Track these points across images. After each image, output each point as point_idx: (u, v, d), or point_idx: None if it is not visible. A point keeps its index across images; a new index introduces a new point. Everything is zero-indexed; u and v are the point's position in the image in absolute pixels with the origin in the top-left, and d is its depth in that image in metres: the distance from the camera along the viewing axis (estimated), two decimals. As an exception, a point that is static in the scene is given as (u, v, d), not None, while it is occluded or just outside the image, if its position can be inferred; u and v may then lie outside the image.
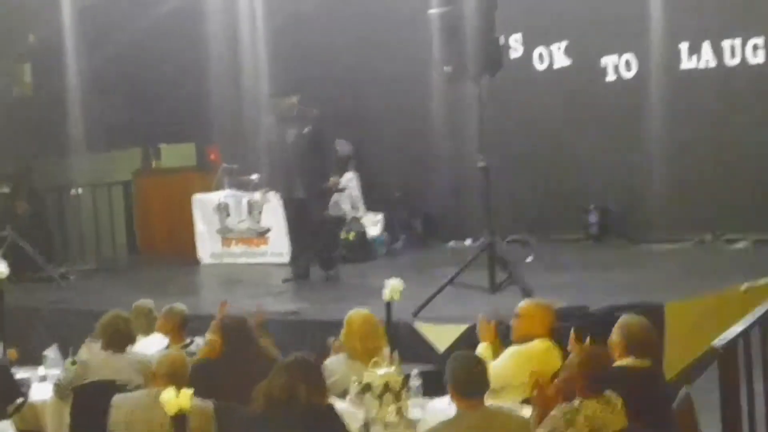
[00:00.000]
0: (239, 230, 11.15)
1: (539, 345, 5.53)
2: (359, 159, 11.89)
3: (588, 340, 5.16)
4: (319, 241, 9.76)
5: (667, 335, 6.78)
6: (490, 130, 8.42)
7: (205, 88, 11.79)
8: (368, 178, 11.87)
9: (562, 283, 8.52)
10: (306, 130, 9.46)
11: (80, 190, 12.24)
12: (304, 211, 9.64)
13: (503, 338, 5.84)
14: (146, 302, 6.92)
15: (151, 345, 6.27)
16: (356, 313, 5.72)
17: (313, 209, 9.70)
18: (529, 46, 11.10)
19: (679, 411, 4.80)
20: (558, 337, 5.70)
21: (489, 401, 4.48)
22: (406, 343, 6.82)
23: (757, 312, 6.13)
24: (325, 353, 5.81)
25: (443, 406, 4.84)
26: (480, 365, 4.45)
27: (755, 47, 9.83)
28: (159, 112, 11.97)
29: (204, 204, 11.37)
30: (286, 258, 10.73)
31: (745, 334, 6.00)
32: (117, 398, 4.95)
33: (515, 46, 11.14)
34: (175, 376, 4.91)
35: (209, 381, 5.22)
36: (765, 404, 6.03)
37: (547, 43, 11.01)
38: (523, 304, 5.78)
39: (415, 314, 7.30)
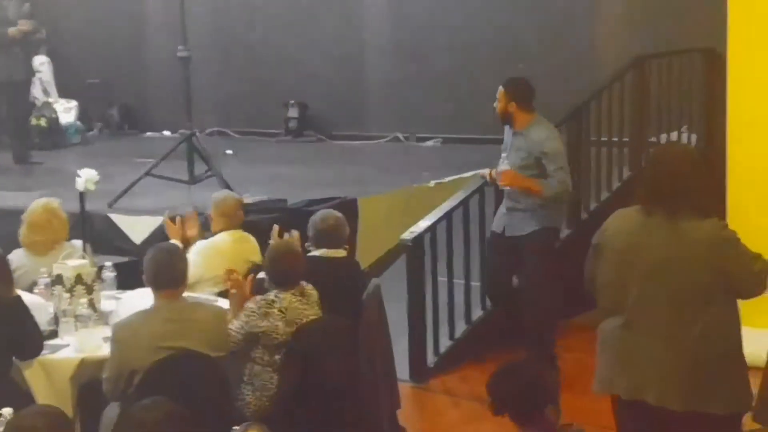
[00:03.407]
0: None
1: (227, 237, 5.57)
2: (52, 43, 11.28)
3: (293, 234, 5.27)
4: (14, 129, 9.30)
5: (360, 228, 7.04)
6: (192, 20, 8.23)
7: None
8: (62, 63, 11.30)
9: (261, 176, 8.60)
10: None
11: None
12: (22, 93, 9.29)
13: (205, 229, 5.83)
14: None
15: None
16: (35, 204, 5.49)
17: (26, 92, 9.45)
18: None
19: (368, 300, 5.01)
20: (257, 229, 5.78)
21: (186, 294, 4.47)
22: (101, 235, 6.67)
23: (444, 207, 6.50)
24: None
25: (137, 299, 4.78)
26: (177, 257, 4.42)
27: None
28: None
29: None
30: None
31: (432, 228, 6.36)
32: None
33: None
34: None
35: None
36: (447, 294, 6.45)
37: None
38: (214, 196, 5.79)
39: (111, 205, 7.12)
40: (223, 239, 5.57)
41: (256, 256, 5.41)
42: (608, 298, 3.79)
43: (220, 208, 5.68)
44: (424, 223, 6.38)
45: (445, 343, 6.48)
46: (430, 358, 6.38)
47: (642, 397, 3.67)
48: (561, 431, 3.43)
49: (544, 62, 9.45)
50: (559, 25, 9.70)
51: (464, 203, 6.55)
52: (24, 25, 9.09)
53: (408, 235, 6.23)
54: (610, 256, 3.77)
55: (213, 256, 5.41)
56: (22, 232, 5.40)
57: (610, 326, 3.78)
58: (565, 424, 3.45)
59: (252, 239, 5.64)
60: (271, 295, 4.57)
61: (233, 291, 4.72)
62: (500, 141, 6.15)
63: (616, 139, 7.68)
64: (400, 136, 10.42)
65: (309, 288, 4.68)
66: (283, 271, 4.63)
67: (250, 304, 4.56)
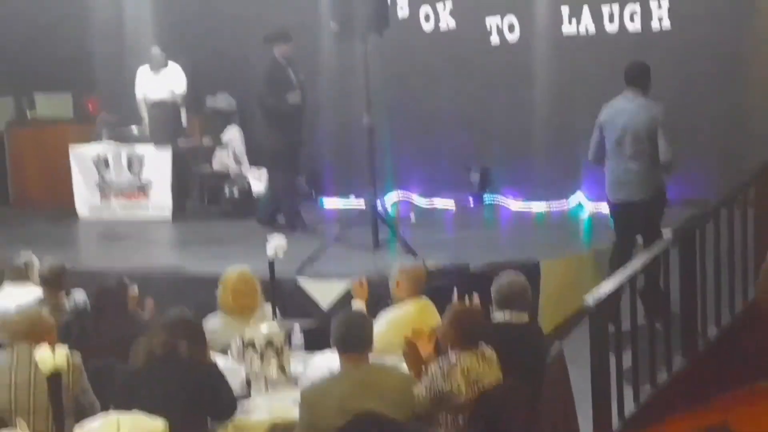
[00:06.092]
0: (119, 184, 10.94)
1: (412, 306, 5.65)
2: (243, 113, 11.78)
3: (474, 298, 5.29)
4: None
5: (543, 292, 6.99)
6: (376, 89, 8.46)
7: (83, 36, 11.48)
8: (252, 133, 11.77)
9: (443, 241, 8.68)
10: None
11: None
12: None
13: (384, 294, 5.94)
14: (24, 254, 6.76)
15: (21, 297, 6.11)
16: (231, 270, 5.73)
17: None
18: (415, 6, 11.13)
19: (552, 365, 4.97)
20: (439, 294, 5.83)
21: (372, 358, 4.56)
22: (289, 300, 6.87)
23: (627, 270, 6.38)
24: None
25: (325, 362, 4.90)
26: (365, 322, 4.53)
27: (632, 13, 10.08)
28: (33, 60, 11.60)
29: (81, 156, 11.09)
30: (168, 213, 10.59)
31: (615, 291, 6.24)
32: None
33: (402, 4, 11.16)
34: (35, 334, 4.70)
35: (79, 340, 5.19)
36: (632, 360, 6.30)
37: (433, 2, 11.06)
38: (395, 267, 5.88)
39: (299, 271, 7.33)
40: (408, 308, 5.62)
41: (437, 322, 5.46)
42: None
43: (410, 273, 5.76)
44: (607, 286, 6.28)
45: (629, 408, 6.33)
46: (615, 423, 6.24)
47: None
48: None
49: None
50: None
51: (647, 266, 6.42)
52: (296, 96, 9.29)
53: (591, 298, 6.15)
54: None
55: (401, 326, 5.44)
56: (220, 297, 5.64)
57: None
58: None
59: (433, 307, 5.68)
60: (452, 357, 4.61)
61: (407, 352, 4.77)
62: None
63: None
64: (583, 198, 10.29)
65: (488, 350, 4.69)
66: (462, 332, 4.66)
67: (433, 366, 4.61)
